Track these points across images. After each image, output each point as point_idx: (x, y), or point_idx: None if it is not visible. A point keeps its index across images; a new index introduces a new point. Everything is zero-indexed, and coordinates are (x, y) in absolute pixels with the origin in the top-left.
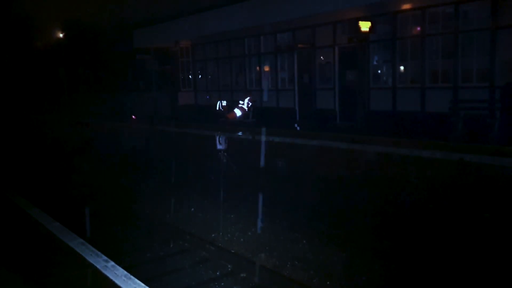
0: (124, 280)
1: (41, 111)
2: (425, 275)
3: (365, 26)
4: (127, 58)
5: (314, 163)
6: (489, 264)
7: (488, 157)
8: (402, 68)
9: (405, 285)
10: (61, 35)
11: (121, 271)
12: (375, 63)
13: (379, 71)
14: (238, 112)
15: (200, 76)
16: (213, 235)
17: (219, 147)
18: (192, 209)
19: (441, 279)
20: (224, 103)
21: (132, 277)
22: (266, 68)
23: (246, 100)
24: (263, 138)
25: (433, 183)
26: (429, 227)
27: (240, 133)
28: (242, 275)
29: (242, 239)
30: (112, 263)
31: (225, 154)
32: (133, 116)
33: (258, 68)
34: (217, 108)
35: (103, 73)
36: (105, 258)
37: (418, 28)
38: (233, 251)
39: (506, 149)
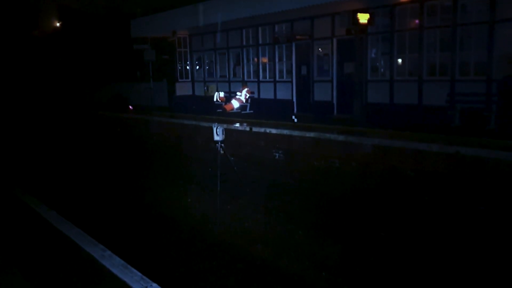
0: (121, 269)
1: (40, 102)
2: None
3: (363, 18)
4: (124, 48)
5: (310, 156)
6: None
7: (484, 150)
8: (400, 60)
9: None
10: (57, 24)
11: (118, 260)
12: (373, 55)
13: (377, 64)
14: (235, 104)
15: (197, 66)
16: (209, 226)
17: (216, 138)
18: (189, 199)
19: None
20: (222, 94)
21: (129, 266)
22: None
23: (244, 92)
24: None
25: (429, 175)
26: (424, 220)
27: (237, 125)
28: (238, 265)
29: (239, 230)
30: (109, 252)
31: (222, 145)
32: (130, 107)
33: (256, 59)
34: (215, 100)
35: (100, 63)
36: (102, 247)
37: (417, 21)
38: (229, 242)
39: (502, 142)
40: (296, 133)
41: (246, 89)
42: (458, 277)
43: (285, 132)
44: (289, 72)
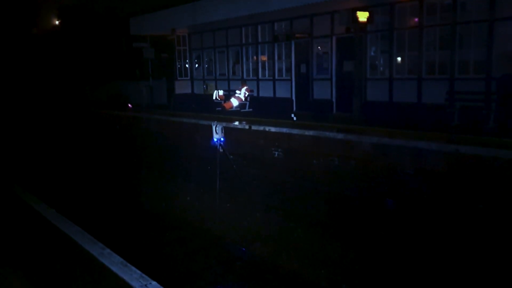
0: (120, 267)
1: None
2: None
3: (363, 16)
4: (124, 46)
5: (309, 154)
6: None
7: (483, 148)
8: (399, 59)
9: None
10: (56, 22)
11: (117, 258)
12: (372, 53)
13: (376, 62)
14: (234, 102)
15: (196, 65)
16: (208, 224)
17: (215, 136)
18: (188, 198)
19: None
20: (221, 92)
21: (128, 264)
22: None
23: (243, 90)
24: None
25: (428, 174)
26: (422, 218)
27: (236, 123)
28: (238, 263)
29: (238, 228)
30: (108, 250)
31: (221, 143)
32: (129, 105)
33: (255, 57)
34: (214, 98)
35: (99, 61)
36: (101, 245)
37: (416, 19)
38: (228, 240)
39: (501, 140)
40: (295, 131)
41: (245, 87)
42: (457, 275)
43: (284, 130)
44: (289, 70)
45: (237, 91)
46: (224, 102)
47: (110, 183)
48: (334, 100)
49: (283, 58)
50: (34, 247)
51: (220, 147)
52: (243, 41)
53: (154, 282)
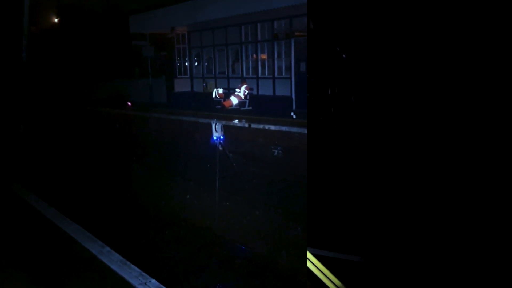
0: (119, 265)
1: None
2: None
3: None
4: (123, 44)
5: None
6: None
7: None
8: None
9: None
10: (55, 20)
11: (116, 256)
12: None
13: None
14: (234, 100)
15: (196, 63)
16: (208, 222)
17: (215, 134)
18: (188, 196)
19: None
20: (221, 90)
21: (127, 262)
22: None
23: (243, 88)
24: None
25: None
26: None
27: (236, 121)
28: (237, 261)
29: (237, 227)
30: (108, 248)
31: (221, 142)
32: (128, 103)
33: (255, 56)
34: (213, 96)
35: (98, 59)
36: (101, 243)
37: None
38: (228, 238)
39: None
40: (295, 129)
41: (245, 86)
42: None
43: (284, 128)
44: (288, 68)
45: (237, 89)
46: (224, 100)
47: (109, 182)
48: None
49: (283, 56)
50: (34, 246)
51: (220, 146)
52: (243, 40)
53: (153, 280)
